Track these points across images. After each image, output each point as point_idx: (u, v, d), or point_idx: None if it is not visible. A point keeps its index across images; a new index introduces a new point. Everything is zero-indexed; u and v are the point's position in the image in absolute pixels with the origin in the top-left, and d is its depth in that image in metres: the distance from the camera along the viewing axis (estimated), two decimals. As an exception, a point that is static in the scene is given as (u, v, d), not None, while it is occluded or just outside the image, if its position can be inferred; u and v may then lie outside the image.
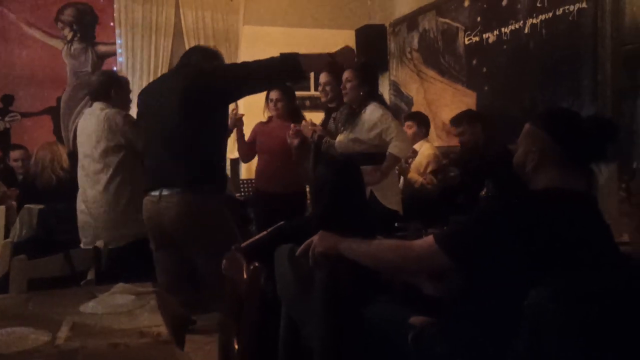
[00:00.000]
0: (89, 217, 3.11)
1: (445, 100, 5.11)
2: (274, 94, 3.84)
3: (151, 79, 5.61)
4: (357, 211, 2.17)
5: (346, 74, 3.35)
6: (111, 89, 3.19)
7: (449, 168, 3.89)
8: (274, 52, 6.21)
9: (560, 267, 1.45)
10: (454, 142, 4.80)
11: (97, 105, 3.18)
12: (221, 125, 2.62)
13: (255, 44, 6.05)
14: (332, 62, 2.69)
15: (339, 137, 3.36)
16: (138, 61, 5.64)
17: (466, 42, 4.80)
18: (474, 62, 4.72)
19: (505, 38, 4.31)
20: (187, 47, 5.83)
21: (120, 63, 5.65)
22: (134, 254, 3.00)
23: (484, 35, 4.56)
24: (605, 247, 1.56)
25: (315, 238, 1.82)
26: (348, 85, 3.34)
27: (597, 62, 3.50)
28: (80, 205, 3.17)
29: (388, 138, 3.24)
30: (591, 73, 3.54)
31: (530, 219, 1.49)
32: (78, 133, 3.25)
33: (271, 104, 3.86)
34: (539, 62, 3.97)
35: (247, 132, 3.96)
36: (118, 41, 5.66)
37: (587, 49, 3.57)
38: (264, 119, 4.02)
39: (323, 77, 3.59)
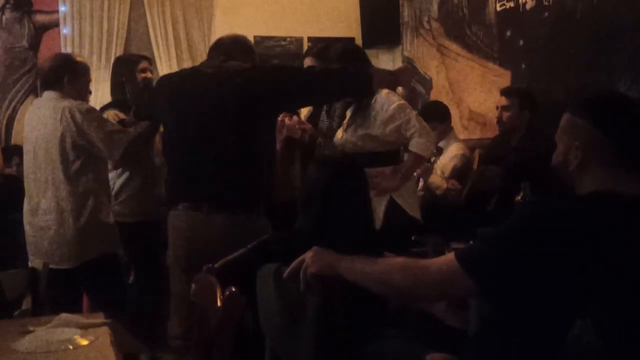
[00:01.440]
0: (40, 232, 3.14)
1: (472, 82, 5.12)
2: None
3: (103, 55, 5.64)
4: (359, 222, 2.18)
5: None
6: (64, 75, 3.17)
7: (487, 167, 3.88)
8: (260, 21, 6.26)
9: (614, 293, 1.45)
10: (484, 133, 4.82)
11: (47, 95, 3.17)
12: (274, 136, 2.91)
13: (235, 13, 6.07)
14: (394, 81, 2.99)
15: (342, 135, 3.33)
16: (87, 34, 5.65)
17: (498, 9, 4.81)
18: (508, 33, 4.72)
19: (546, 3, 4.32)
20: (148, 17, 5.88)
21: (65, 36, 5.64)
22: (88, 276, 3.11)
23: (520, 0, 4.58)
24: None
25: (307, 256, 1.83)
26: None
27: (661, 34, 3.51)
28: (28, 217, 3.20)
29: (408, 133, 3.23)
30: (654, 48, 3.55)
31: (575, 231, 1.49)
32: (25, 129, 3.26)
33: None
34: (588, 34, 3.97)
35: None
36: (61, 9, 5.65)
37: (648, 17, 3.58)
38: None
39: (308, 62, 3.58)
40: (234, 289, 1.60)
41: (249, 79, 2.67)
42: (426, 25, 5.72)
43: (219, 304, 1.63)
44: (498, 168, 3.83)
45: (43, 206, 3.12)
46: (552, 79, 4.29)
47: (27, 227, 3.19)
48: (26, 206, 3.21)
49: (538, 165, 3.08)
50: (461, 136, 4.78)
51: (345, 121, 3.35)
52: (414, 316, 2.08)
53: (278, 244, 2.21)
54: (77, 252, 3.09)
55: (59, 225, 3.08)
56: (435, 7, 5.59)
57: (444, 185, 4.06)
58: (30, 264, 3.13)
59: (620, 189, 1.56)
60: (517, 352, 1.53)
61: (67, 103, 3.11)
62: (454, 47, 5.34)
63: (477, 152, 4.06)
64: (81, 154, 3.08)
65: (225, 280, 1.85)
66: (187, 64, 5.81)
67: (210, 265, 2.10)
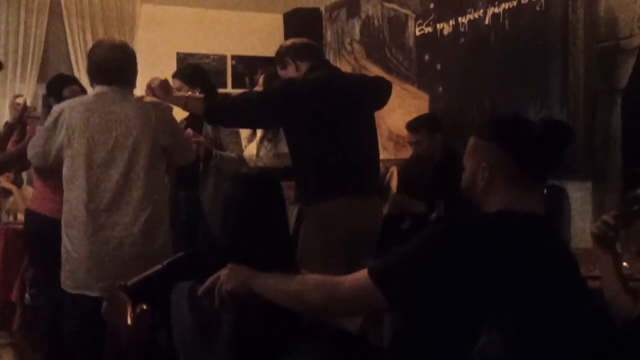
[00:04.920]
0: (113, 250, 2.78)
1: (392, 103, 5.18)
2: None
3: (19, 67, 5.47)
4: (275, 239, 2.17)
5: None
6: (133, 72, 2.92)
7: (413, 202, 3.96)
8: (182, 38, 6.22)
9: (518, 306, 1.50)
10: (402, 153, 4.91)
11: (116, 90, 2.83)
12: None
13: (158, 27, 6.01)
14: None
15: (255, 152, 3.49)
16: (1, 45, 5.46)
17: (417, 33, 4.94)
18: (426, 57, 4.85)
19: (462, 29, 4.47)
20: (67, 29, 5.74)
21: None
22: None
23: (437, 26, 4.71)
24: (569, 281, 1.63)
25: (222, 273, 1.81)
26: None
27: (568, 61, 3.67)
28: (90, 229, 2.78)
29: None
30: (561, 73, 3.71)
31: (481, 247, 1.54)
32: (77, 129, 2.79)
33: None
34: (502, 59, 4.13)
35: None
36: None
37: (556, 45, 3.74)
38: None
39: (176, 82, 3.61)
40: (144, 307, 1.57)
41: (381, 87, 3.25)
42: (348, 47, 5.80)
43: (129, 321, 1.59)
44: (422, 204, 3.89)
45: (122, 218, 2.78)
46: (467, 102, 4.42)
47: (86, 244, 2.76)
48: (84, 217, 2.77)
49: (453, 188, 3.19)
50: (381, 156, 4.85)
51: (257, 139, 3.45)
52: (328, 332, 2.09)
53: (193, 261, 2.18)
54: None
55: (142, 242, 2.77)
56: (357, 29, 5.68)
57: None
58: (89, 293, 2.72)
59: (523, 208, 1.63)
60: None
61: (148, 99, 2.91)
62: (375, 69, 5.44)
63: (394, 169, 4.14)
64: (162, 156, 2.91)
65: (137, 297, 1.81)
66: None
67: (123, 283, 2.05)
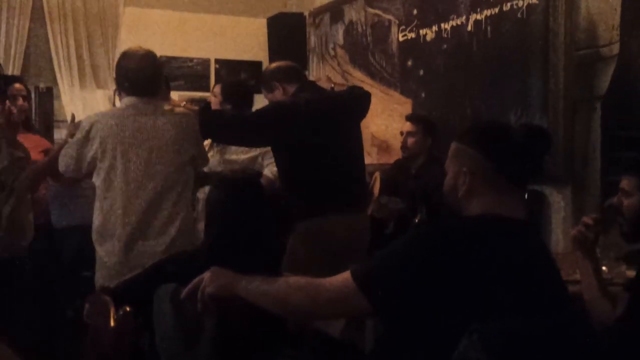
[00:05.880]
0: (148, 258, 2.74)
1: (375, 108, 5.22)
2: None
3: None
4: (258, 242, 2.17)
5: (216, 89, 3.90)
6: (162, 82, 3.00)
7: (391, 199, 3.98)
8: (166, 41, 6.21)
9: (497, 310, 1.52)
10: (385, 158, 4.94)
11: (144, 101, 2.85)
12: None
13: (141, 30, 5.98)
14: None
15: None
16: (-19, 47, 5.41)
17: (400, 39, 4.97)
18: (409, 63, 4.88)
19: (445, 35, 4.50)
20: (49, 30, 5.70)
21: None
22: None
23: (420, 32, 4.74)
24: (550, 286, 1.65)
25: (205, 276, 1.81)
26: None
27: (548, 68, 3.72)
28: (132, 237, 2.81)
29: (265, 162, 3.60)
30: (542, 80, 3.75)
31: (463, 250, 1.55)
32: (109, 141, 2.79)
33: None
34: (483, 66, 4.17)
35: None
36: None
37: (537, 53, 3.79)
38: None
39: None
40: (127, 309, 1.57)
41: (367, 102, 3.29)
42: (332, 52, 5.82)
43: (112, 324, 1.59)
44: (400, 200, 3.91)
45: (155, 227, 2.81)
46: (449, 108, 4.45)
47: (120, 255, 2.77)
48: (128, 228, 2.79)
49: (435, 192, 3.21)
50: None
51: (207, 145, 3.58)
52: (312, 335, 2.09)
53: (176, 264, 2.18)
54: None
55: (179, 245, 2.78)
56: (340, 34, 5.70)
57: None
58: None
59: (503, 212, 1.65)
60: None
61: (177, 110, 2.98)
62: (358, 74, 5.46)
63: (377, 175, 4.15)
64: (192, 165, 2.94)
65: (120, 300, 1.80)
66: (91, 87, 5.70)
67: (106, 285, 2.05)
